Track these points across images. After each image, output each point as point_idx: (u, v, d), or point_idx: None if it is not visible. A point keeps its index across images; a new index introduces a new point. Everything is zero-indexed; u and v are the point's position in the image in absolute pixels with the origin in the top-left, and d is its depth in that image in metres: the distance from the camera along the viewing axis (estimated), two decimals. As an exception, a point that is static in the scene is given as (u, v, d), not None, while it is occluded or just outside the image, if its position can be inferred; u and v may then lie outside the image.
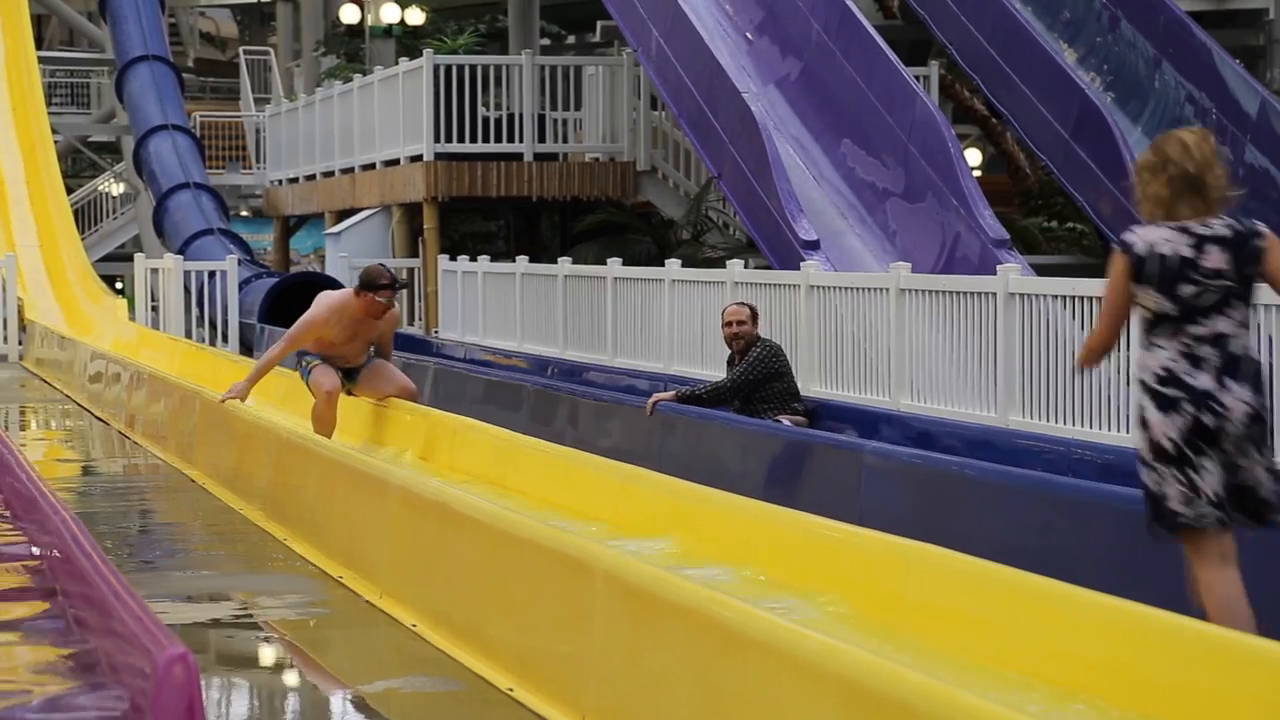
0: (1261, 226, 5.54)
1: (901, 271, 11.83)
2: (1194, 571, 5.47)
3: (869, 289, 12.09)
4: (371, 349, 11.38)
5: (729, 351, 10.99)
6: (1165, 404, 5.41)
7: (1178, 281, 5.47)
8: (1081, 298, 10.25)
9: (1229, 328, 5.46)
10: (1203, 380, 5.38)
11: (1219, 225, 5.52)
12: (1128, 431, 9.69)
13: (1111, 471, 8.63)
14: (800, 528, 6.84)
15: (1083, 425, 10.02)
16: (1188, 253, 5.48)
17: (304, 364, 11.28)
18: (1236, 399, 5.37)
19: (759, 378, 10.43)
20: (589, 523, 8.22)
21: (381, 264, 11.02)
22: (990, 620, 5.58)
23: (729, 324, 10.83)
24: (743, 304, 11.09)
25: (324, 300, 11.01)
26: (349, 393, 11.28)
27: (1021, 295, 10.62)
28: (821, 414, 11.13)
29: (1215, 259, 5.47)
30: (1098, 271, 15.42)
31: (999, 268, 11.31)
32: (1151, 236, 5.55)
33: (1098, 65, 19.09)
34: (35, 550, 6.28)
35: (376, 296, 10.76)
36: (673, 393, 10.94)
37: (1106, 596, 5.26)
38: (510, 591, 6.31)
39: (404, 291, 11.07)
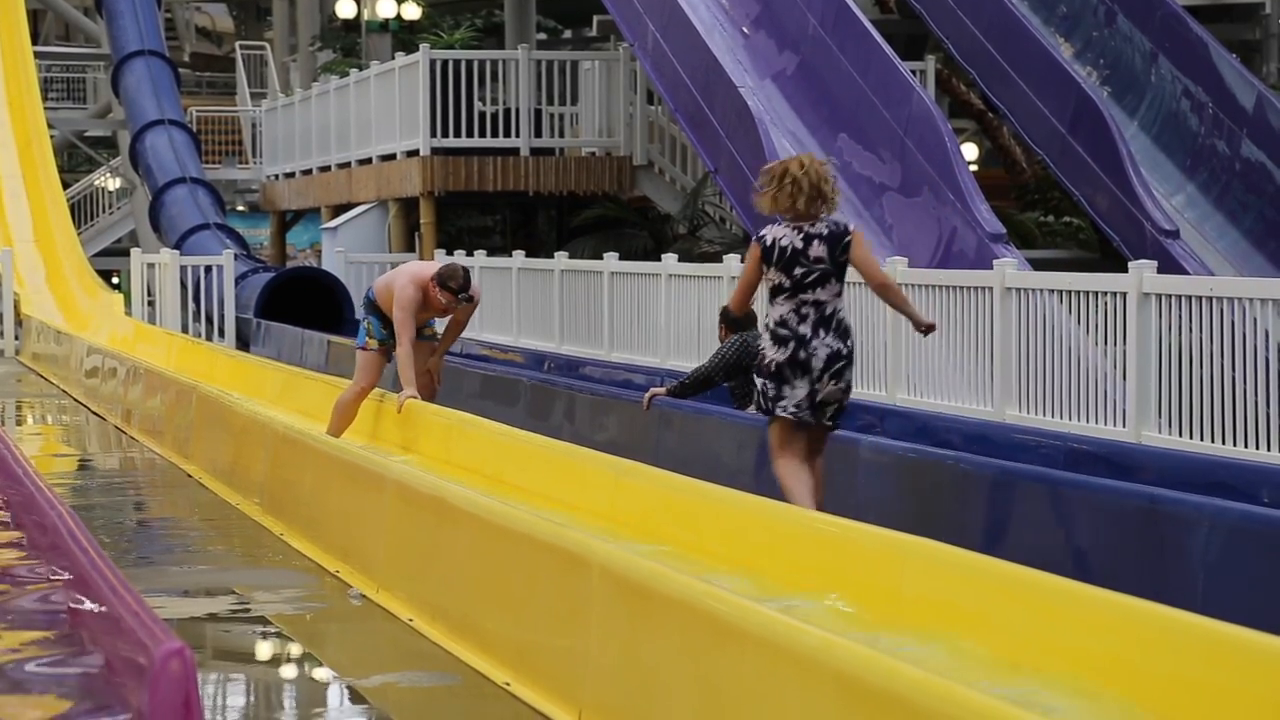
0: (851, 225, 7.82)
1: (898, 266, 11.83)
2: (774, 453, 7.81)
3: (865, 283, 12.06)
4: (434, 328, 11.32)
5: None
6: (778, 340, 7.70)
7: (793, 265, 7.67)
8: (1078, 292, 10.26)
9: (825, 296, 7.70)
10: (803, 329, 7.67)
11: (821, 225, 7.71)
12: (1124, 426, 9.70)
13: (1108, 466, 8.63)
14: (797, 522, 6.84)
15: (1079, 419, 10.02)
16: (799, 245, 7.68)
17: (362, 330, 11.17)
18: (822, 343, 7.66)
19: (728, 364, 10.39)
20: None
21: (466, 270, 11.00)
22: (987, 614, 5.58)
23: None
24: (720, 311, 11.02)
25: (410, 279, 10.84)
26: (389, 358, 11.21)
27: (1018, 290, 10.62)
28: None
29: (817, 250, 7.68)
30: (1095, 266, 15.46)
31: (995, 262, 11.31)
32: (776, 232, 7.74)
33: (1094, 59, 19.08)
34: (32, 545, 6.28)
35: (439, 294, 10.73)
36: (666, 387, 10.93)
37: (1104, 591, 5.26)
38: (507, 586, 6.31)
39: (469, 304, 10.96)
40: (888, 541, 6.28)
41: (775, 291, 7.73)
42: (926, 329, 8.12)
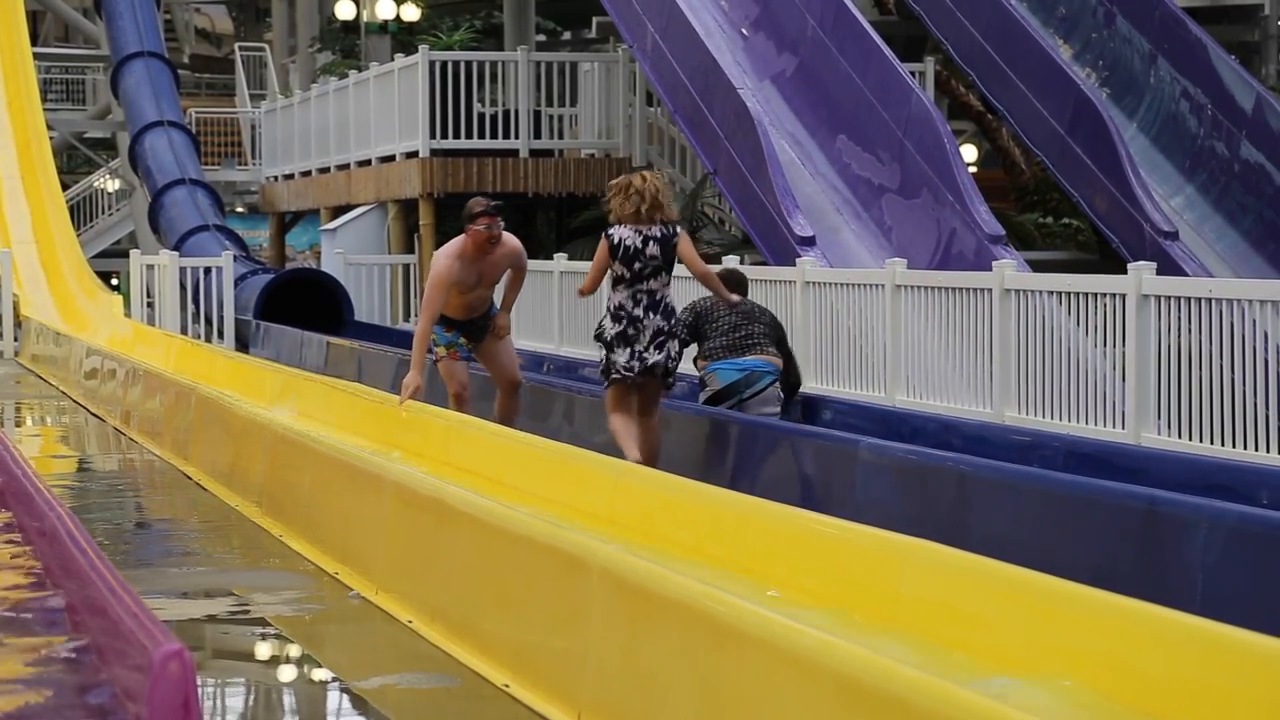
0: (680, 229, 9.64)
1: (897, 267, 11.83)
2: (608, 410, 9.73)
3: (865, 285, 12.09)
4: (491, 309, 11.10)
5: None
6: (616, 320, 9.54)
7: (633, 260, 9.50)
8: (1077, 294, 10.26)
9: (657, 286, 9.54)
10: (637, 311, 9.51)
11: (656, 229, 9.51)
12: (1123, 427, 9.71)
13: (1107, 467, 8.63)
14: (795, 523, 6.83)
15: (1078, 421, 10.03)
16: (639, 244, 9.49)
17: (433, 344, 10.97)
18: (650, 322, 9.50)
19: (686, 327, 10.46)
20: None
21: (482, 195, 10.91)
22: (986, 616, 5.58)
23: None
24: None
25: (442, 252, 10.69)
26: (470, 357, 11.11)
27: (1017, 291, 10.63)
28: (817, 409, 11.13)
29: (652, 250, 9.49)
30: (1094, 267, 15.43)
31: (994, 264, 11.31)
32: (622, 233, 9.53)
33: (1093, 61, 19.08)
34: (31, 547, 6.28)
35: (475, 226, 10.53)
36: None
37: (1102, 592, 5.26)
38: (506, 587, 6.31)
39: (500, 219, 10.73)
40: (886, 543, 6.27)
41: (617, 281, 9.59)
42: (731, 306, 10.37)
